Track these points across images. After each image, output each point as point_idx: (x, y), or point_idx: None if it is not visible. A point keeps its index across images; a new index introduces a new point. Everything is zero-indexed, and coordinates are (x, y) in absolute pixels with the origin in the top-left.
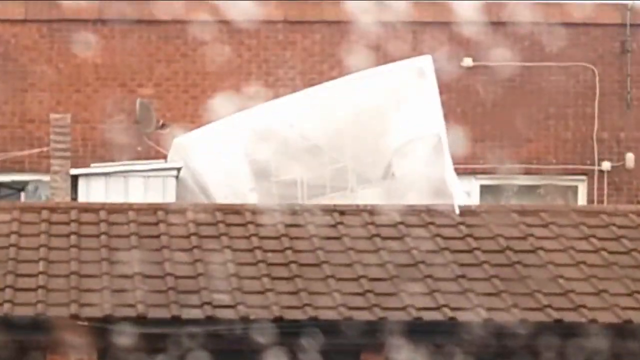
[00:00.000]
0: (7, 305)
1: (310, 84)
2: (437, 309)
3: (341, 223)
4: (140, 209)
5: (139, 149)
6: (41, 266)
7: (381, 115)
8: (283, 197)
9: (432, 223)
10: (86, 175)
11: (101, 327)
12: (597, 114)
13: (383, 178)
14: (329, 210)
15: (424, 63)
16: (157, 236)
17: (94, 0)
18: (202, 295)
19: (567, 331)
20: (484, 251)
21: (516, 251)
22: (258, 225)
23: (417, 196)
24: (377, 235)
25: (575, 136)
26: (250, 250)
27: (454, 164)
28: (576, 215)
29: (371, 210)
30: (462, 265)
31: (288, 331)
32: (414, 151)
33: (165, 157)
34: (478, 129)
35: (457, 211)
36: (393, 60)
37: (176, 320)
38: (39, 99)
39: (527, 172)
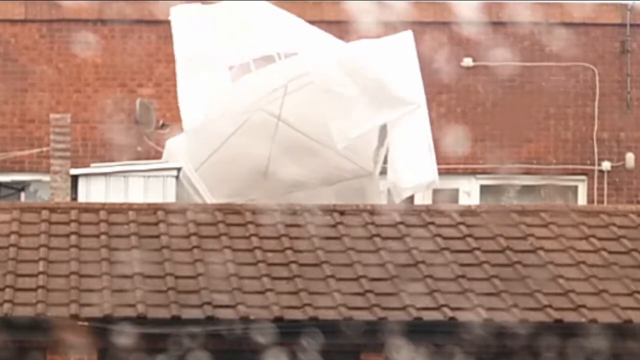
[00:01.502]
0: (7, 305)
1: None
2: (437, 309)
3: (341, 223)
4: (140, 209)
5: (139, 149)
6: (41, 266)
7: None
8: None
9: (432, 223)
10: (86, 175)
11: (101, 327)
12: (597, 114)
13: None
14: (329, 210)
15: (405, 38)
16: (157, 236)
17: (94, 0)
18: (202, 295)
19: (567, 331)
20: (484, 251)
21: (516, 251)
22: (258, 225)
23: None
24: (377, 235)
25: (575, 136)
26: (250, 250)
27: (454, 163)
28: (576, 215)
29: (371, 210)
30: (462, 265)
31: (288, 331)
32: (397, 123)
33: None
34: (478, 129)
35: (437, 185)
36: None
37: (176, 320)
38: (39, 99)
39: (527, 172)
